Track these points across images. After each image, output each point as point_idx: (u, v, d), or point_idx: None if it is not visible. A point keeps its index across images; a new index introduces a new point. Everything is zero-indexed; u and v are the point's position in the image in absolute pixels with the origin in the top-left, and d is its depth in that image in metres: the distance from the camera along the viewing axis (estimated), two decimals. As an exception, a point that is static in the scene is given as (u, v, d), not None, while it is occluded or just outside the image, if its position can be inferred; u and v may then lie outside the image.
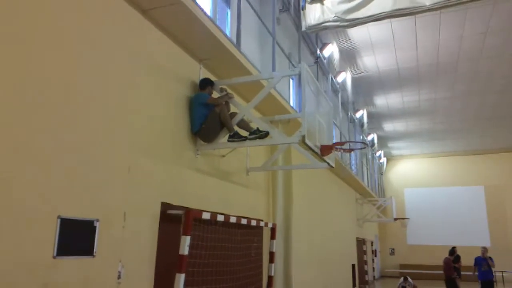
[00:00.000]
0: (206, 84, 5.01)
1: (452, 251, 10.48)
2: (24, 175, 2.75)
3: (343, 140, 11.91)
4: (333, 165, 5.65)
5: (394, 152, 23.55)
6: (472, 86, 13.83)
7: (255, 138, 4.73)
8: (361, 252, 16.62)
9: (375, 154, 20.75)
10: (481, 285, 10.32)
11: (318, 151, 4.84)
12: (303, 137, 4.33)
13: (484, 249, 10.59)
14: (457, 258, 10.86)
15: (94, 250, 3.25)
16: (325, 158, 5.25)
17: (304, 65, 4.49)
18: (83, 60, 3.36)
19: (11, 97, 2.72)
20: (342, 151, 5.60)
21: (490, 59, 11.91)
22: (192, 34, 4.61)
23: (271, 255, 6.42)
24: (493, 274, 10.39)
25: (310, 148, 4.65)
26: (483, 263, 10.24)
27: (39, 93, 2.92)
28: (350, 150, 8.44)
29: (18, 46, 2.79)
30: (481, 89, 14.07)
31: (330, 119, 5.65)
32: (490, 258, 10.29)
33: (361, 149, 14.55)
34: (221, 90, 5.18)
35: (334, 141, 7.57)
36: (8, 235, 2.60)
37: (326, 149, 4.92)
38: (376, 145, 19.78)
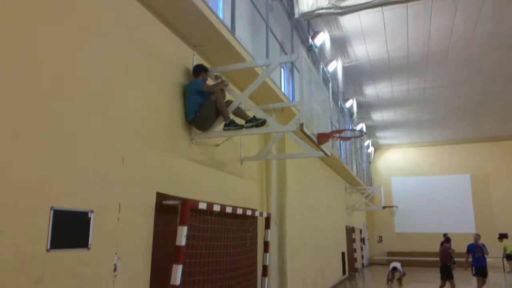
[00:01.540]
0: (199, 70, 4.87)
1: (448, 238, 10.38)
2: (16, 165, 2.60)
3: (334, 129, 11.89)
4: (329, 154, 5.60)
5: (382, 141, 23.72)
6: (461, 75, 13.94)
7: (251, 126, 4.62)
8: (350, 240, 16.78)
9: (363, 143, 20.87)
10: (474, 271, 10.30)
11: (315, 139, 4.76)
12: (301, 125, 4.24)
13: (477, 236, 10.52)
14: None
15: (89, 243, 3.12)
16: (321, 146, 5.18)
17: (302, 51, 4.38)
18: (75, 47, 3.18)
19: (4, 85, 2.56)
20: (339, 139, 5.53)
21: (480, 49, 11.98)
22: (185, 18, 4.44)
23: (266, 244, 6.38)
24: (486, 260, 10.34)
25: (307, 137, 4.57)
26: (477, 250, 10.24)
27: (32, 81, 2.76)
28: (348, 138, 8.39)
29: (11, 32, 2.62)
30: (470, 78, 14.19)
31: (326, 107, 5.58)
32: (483, 245, 10.30)
33: (358, 137, 14.58)
34: (216, 77, 5.05)
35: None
36: (0, 227, 2.46)
37: (323, 138, 4.84)
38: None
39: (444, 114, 18.29)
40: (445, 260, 9.90)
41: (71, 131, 3.07)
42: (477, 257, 10.18)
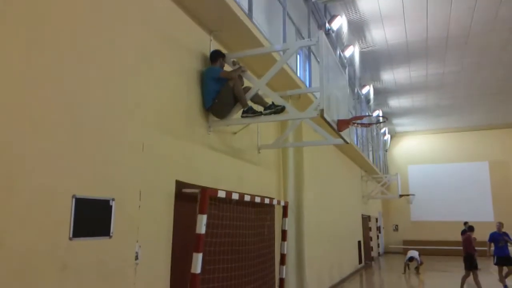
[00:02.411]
0: (217, 56, 4.77)
1: (471, 227, 10.01)
2: (38, 153, 2.58)
3: (351, 116, 11.67)
4: (349, 141, 5.47)
5: (398, 128, 23.32)
6: (481, 59, 13.50)
7: (270, 113, 4.53)
8: (366, 229, 16.66)
9: (380, 130, 20.55)
10: (496, 260, 9.90)
11: (335, 126, 4.64)
12: (322, 111, 4.12)
13: (500, 224, 10.14)
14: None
15: (111, 231, 3.11)
16: (340, 133, 5.05)
17: (322, 34, 4.24)
18: (93, 33, 3.12)
19: (23, 71, 2.52)
20: (359, 126, 5.40)
21: (502, 32, 11.54)
22: (202, 1, 4.33)
23: (284, 233, 6.33)
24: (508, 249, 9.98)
25: (327, 123, 4.45)
26: (500, 239, 9.90)
27: (51, 68, 2.72)
28: (369, 124, 8.19)
29: (27, 15, 2.57)
30: (490, 63, 13.74)
31: (346, 93, 5.43)
32: (506, 234, 9.95)
33: (379, 123, 14.22)
34: (233, 63, 4.95)
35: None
36: (24, 215, 2.45)
37: (343, 124, 4.72)
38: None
39: (463, 100, 17.82)
40: (469, 249, 9.45)
41: (91, 119, 3.04)
42: (500, 246, 9.81)
